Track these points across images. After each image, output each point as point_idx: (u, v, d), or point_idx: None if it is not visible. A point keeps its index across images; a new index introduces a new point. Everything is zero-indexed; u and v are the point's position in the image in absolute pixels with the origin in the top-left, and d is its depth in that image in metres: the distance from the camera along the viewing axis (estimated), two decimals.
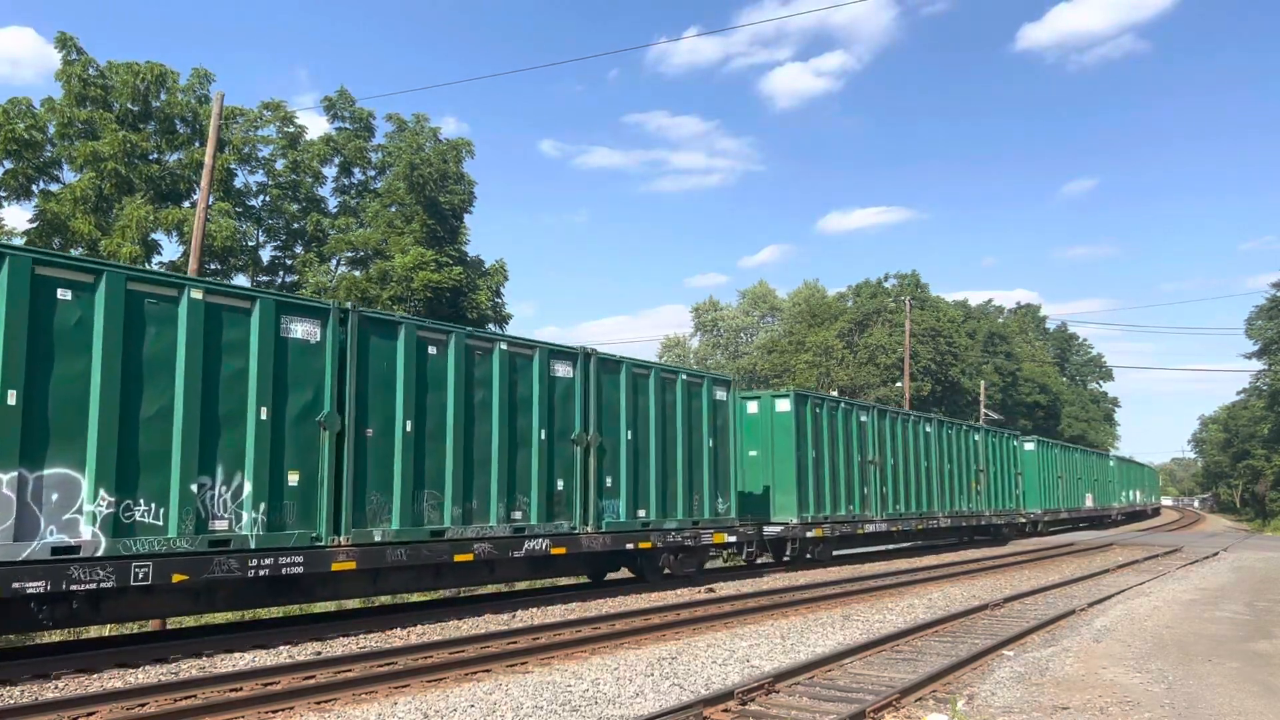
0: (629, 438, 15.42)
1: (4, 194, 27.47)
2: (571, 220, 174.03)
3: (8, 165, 27.23)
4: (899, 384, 54.25)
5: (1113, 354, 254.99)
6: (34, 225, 26.81)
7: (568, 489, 14.22)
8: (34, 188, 27.94)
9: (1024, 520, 34.59)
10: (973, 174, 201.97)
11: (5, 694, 7.88)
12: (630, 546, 15.28)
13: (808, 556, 20.64)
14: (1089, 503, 44.83)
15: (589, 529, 14.46)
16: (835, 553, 22.63)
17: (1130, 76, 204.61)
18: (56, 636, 12.04)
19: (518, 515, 13.31)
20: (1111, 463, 53.72)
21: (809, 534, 20.18)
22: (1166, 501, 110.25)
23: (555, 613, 13.17)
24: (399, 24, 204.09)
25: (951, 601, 15.18)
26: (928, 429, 26.49)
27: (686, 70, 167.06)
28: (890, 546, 27.88)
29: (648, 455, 15.85)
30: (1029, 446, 36.38)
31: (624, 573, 17.30)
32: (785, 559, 20.55)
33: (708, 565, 19.11)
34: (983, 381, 62.87)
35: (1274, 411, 69.02)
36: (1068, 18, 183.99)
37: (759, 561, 20.80)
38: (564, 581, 17.64)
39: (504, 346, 13.43)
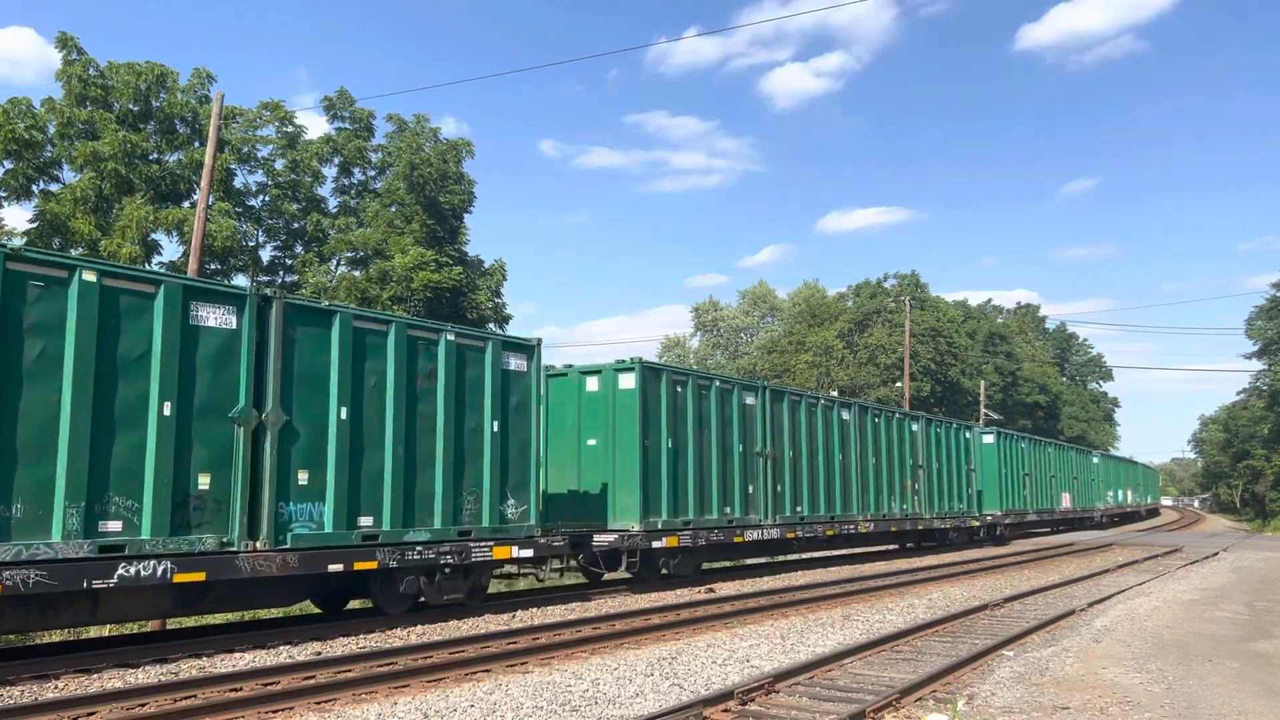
0: (342, 417, 11.33)
1: (4, 194, 27.52)
2: (571, 220, 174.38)
3: (8, 165, 27.28)
4: (899, 384, 54.26)
5: (1113, 354, 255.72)
6: (34, 225, 26.85)
7: (220, 487, 10.16)
8: (34, 188, 28.03)
9: (977, 524, 30.21)
10: (973, 174, 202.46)
11: (5, 694, 7.88)
12: (337, 568, 10.99)
13: (663, 572, 16.69)
14: (1065, 503, 40.61)
15: (258, 544, 10.34)
16: (710, 565, 19.15)
17: (1130, 76, 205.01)
18: (57, 636, 12.07)
19: (114, 526, 9.26)
20: (1095, 459, 49.90)
21: (656, 544, 15.90)
22: (1166, 501, 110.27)
23: (555, 613, 13.18)
24: (399, 24, 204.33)
25: (951, 601, 15.18)
26: (844, 415, 22.40)
27: (686, 70, 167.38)
28: (795, 556, 22.88)
29: (380, 442, 11.76)
30: (987, 439, 32.46)
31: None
32: (627, 575, 16.28)
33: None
34: (983, 382, 62.93)
35: (1274, 411, 69.06)
36: (1067, 18, 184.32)
37: (605, 579, 17.01)
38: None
39: (89, 277, 9.28)
